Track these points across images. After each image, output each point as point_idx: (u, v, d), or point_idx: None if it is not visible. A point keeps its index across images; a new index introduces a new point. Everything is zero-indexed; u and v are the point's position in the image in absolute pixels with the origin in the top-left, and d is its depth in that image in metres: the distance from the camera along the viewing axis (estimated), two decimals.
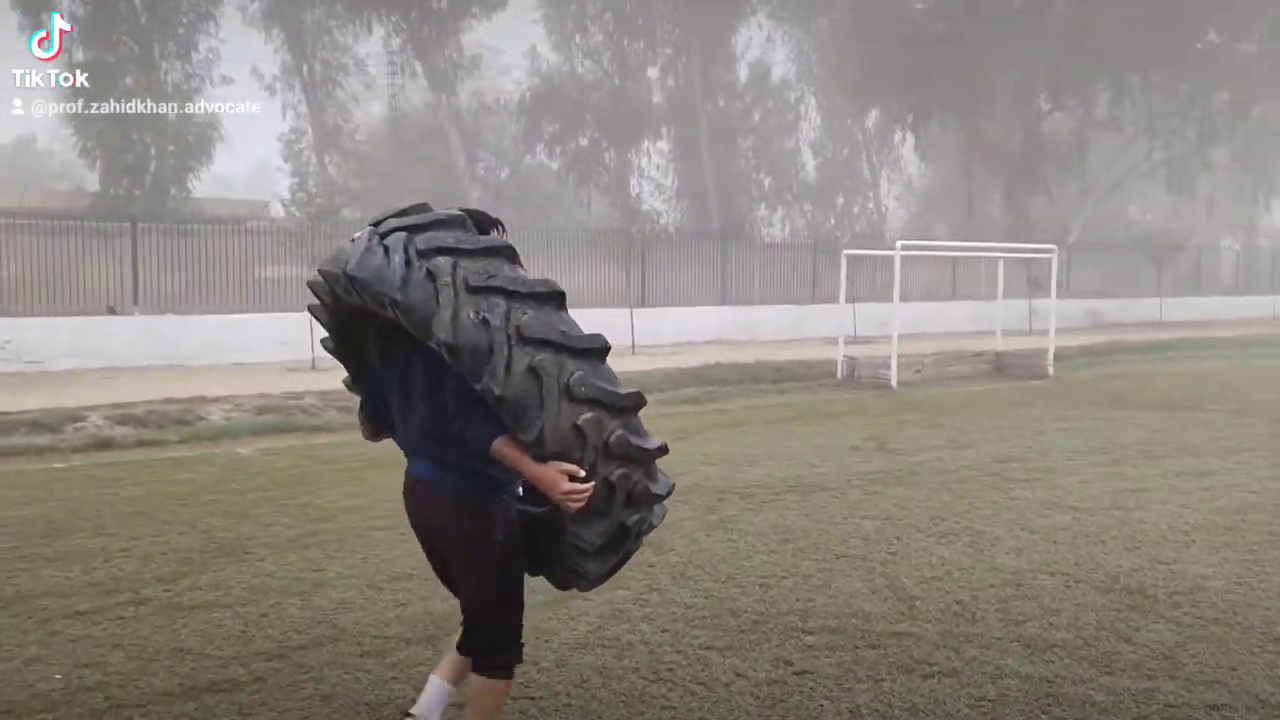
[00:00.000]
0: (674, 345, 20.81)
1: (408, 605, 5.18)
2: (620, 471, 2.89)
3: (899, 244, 15.45)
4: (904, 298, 26.15)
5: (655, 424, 11.35)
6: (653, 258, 23.04)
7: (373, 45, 35.31)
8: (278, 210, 23.88)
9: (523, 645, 3.23)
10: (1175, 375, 17.89)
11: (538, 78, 38.54)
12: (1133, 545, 6.25)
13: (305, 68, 35.21)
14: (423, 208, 3.03)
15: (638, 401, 2.91)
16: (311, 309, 3.31)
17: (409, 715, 3.39)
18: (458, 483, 3.09)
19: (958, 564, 5.85)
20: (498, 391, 2.77)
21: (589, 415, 2.81)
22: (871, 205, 47.28)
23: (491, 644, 3.17)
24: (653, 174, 42.63)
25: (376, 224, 3.01)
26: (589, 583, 3.21)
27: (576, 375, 2.81)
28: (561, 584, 3.34)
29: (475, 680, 3.20)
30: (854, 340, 18.77)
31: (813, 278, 25.98)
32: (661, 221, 40.11)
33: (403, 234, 2.90)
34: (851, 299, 18.99)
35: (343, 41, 35.33)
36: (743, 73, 42.61)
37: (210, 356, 16.72)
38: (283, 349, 16.84)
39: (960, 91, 33.11)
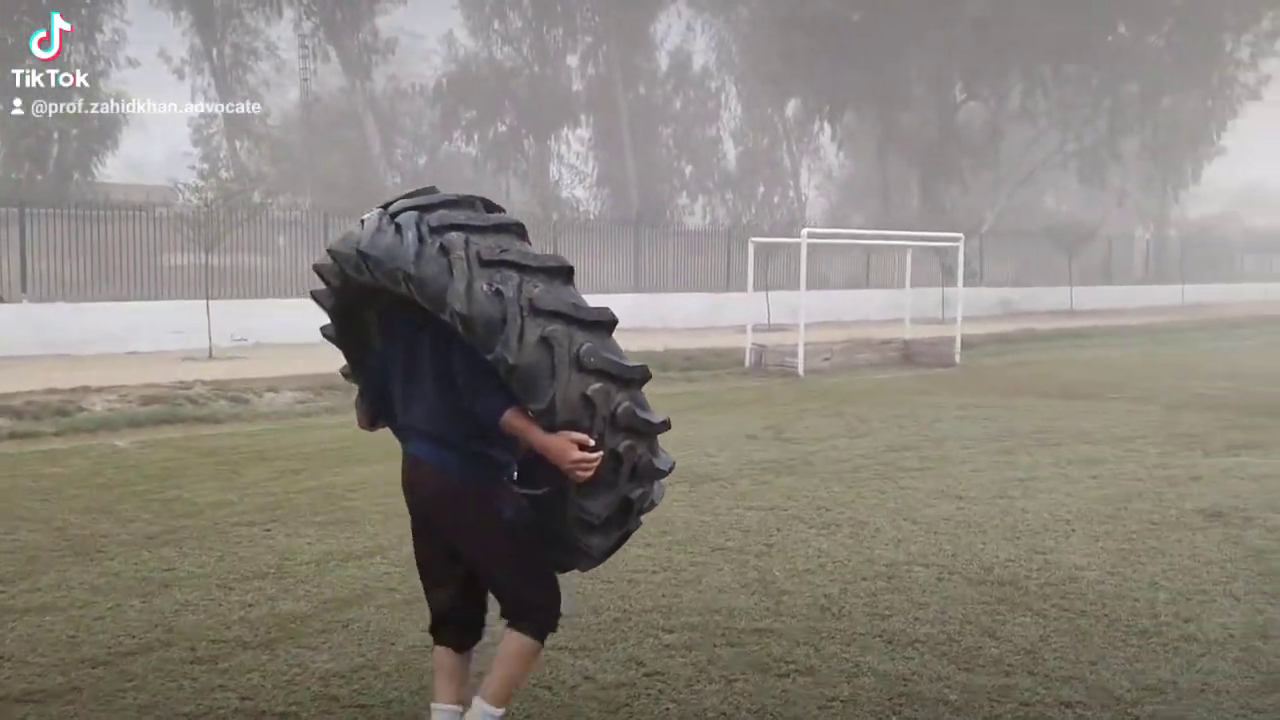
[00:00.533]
0: None
1: (255, 606, 4.91)
2: (626, 443, 2.95)
3: (805, 232, 15.41)
4: (822, 286, 26.41)
5: None
6: (566, 245, 22.78)
7: (284, 29, 34.56)
8: (184, 196, 23.26)
9: (558, 615, 3.23)
10: (1080, 363, 18.15)
11: (455, 64, 38.06)
12: (1013, 535, 6.19)
13: (215, 51, 34.27)
14: (431, 190, 3.11)
15: (644, 375, 2.98)
16: (315, 294, 3.34)
17: None
18: (461, 463, 3.11)
19: (834, 556, 5.73)
20: (511, 361, 2.83)
21: (597, 386, 2.88)
22: (792, 194, 47.54)
23: (518, 606, 3.19)
24: (573, 161, 42.42)
25: (385, 206, 3.07)
26: (592, 560, 3.24)
27: (586, 347, 2.87)
28: (563, 565, 3.30)
29: (512, 636, 3.18)
30: (767, 328, 18.73)
31: (727, 266, 25.93)
32: (581, 209, 40.06)
33: (414, 212, 2.98)
34: (764, 287, 18.94)
35: (253, 24, 34.53)
36: (663, 61, 42.53)
37: (103, 345, 16.11)
38: (179, 338, 16.30)
39: (876, 82, 33.35)
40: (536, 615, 3.18)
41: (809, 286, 15.99)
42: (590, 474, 2.91)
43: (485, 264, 2.89)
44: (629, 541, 4.87)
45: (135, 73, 30.03)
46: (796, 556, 5.72)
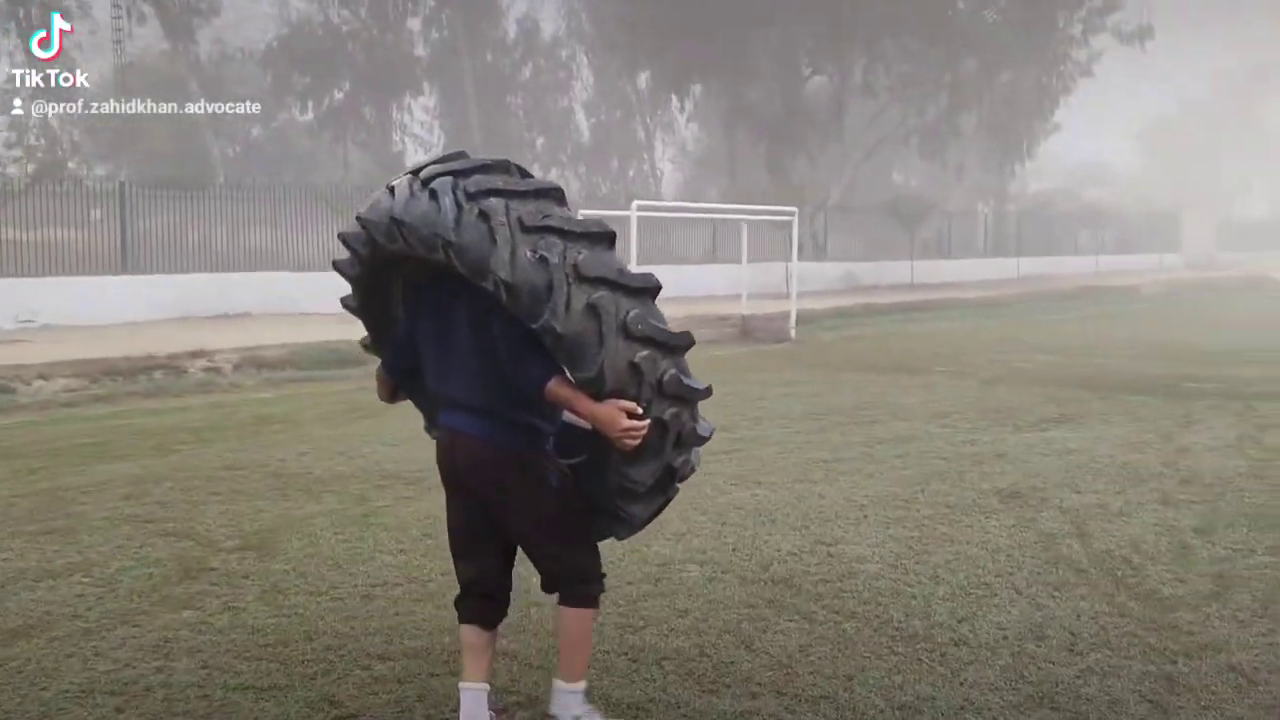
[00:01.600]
0: None
1: None
2: (672, 410, 2.91)
3: (635, 204, 14.92)
4: (675, 261, 26.04)
5: (351, 399, 10.24)
6: None
7: None
8: None
9: (604, 576, 3.26)
10: (913, 337, 18.23)
11: (287, 26, 36.22)
12: (802, 524, 5.80)
13: (20, 11, 31.75)
14: (462, 155, 3.01)
15: (689, 342, 2.92)
16: (338, 264, 3.25)
17: None
18: (503, 434, 3.06)
19: (605, 554, 5.22)
20: (559, 329, 2.78)
21: (645, 353, 2.83)
22: (646, 167, 47.21)
23: (573, 577, 3.18)
24: (417, 131, 41.07)
25: (415, 172, 2.97)
26: (631, 528, 3.24)
27: (633, 313, 2.81)
28: (601, 533, 3.30)
29: (563, 613, 3.20)
30: None
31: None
32: None
33: (448, 178, 2.89)
34: None
35: None
36: (510, 28, 41.48)
37: None
38: None
39: (723, 55, 33.10)
40: (587, 583, 3.20)
41: (655, 262, 15.56)
42: (637, 442, 2.88)
43: (527, 230, 2.82)
44: (383, 550, 4.38)
45: None
46: None
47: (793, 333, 16.89)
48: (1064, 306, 26.20)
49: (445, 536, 5.61)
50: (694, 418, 3.01)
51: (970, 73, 33.76)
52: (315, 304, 19.64)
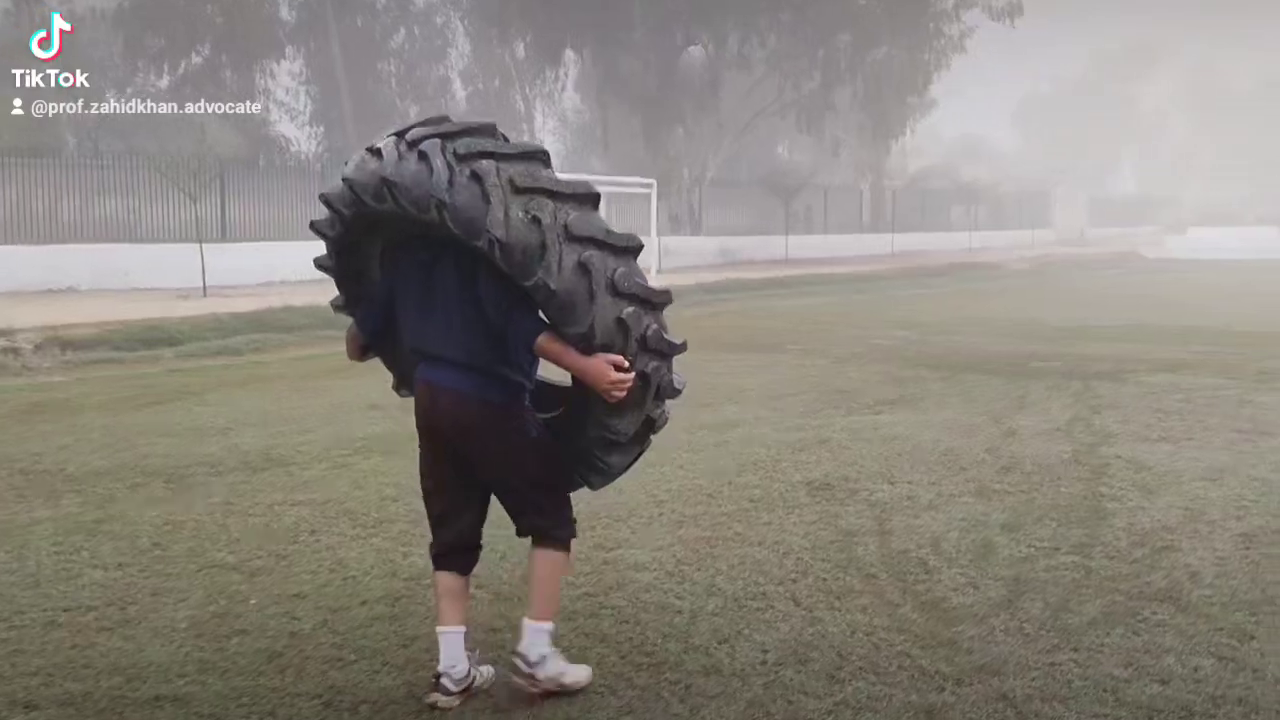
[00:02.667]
0: (264, 285, 18.75)
1: None
2: (654, 364, 3.08)
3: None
4: None
5: (150, 383, 9.36)
6: (237, 188, 20.71)
7: None
8: None
9: (575, 522, 3.44)
10: (776, 314, 17.96)
11: None
12: (588, 525, 5.23)
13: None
14: (445, 119, 3.08)
15: (668, 299, 3.09)
16: (317, 225, 3.34)
17: (437, 679, 3.30)
18: (485, 388, 3.18)
19: (354, 569, 4.65)
20: (553, 286, 2.90)
21: (630, 310, 2.98)
22: (526, 138, 46.18)
23: (547, 521, 3.34)
24: (282, 97, 39.39)
25: (400, 134, 3.05)
26: (607, 478, 3.44)
27: (620, 271, 2.96)
28: (575, 484, 3.47)
29: (536, 555, 3.35)
30: None
31: None
32: (294, 149, 37.35)
33: (436, 140, 2.96)
34: None
35: None
36: None
37: None
38: None
39: (597, 23, 32.38)
40: (561, 528, 3.36)
41: None
42: (623, 394, 3.03)
43: (519, 191, 2.92)
44: (98, 564, 4.31)
45: None
46: (303, 572, 4.60)
47: None
48: (932, 282, 26.36)
49: (174, 547, 5.05)
50: (670, 371, 3.17)
51: (844, 47, 33.64)
52: (154, 278, 18.56)
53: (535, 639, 3.31)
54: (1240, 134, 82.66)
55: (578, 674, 3.40)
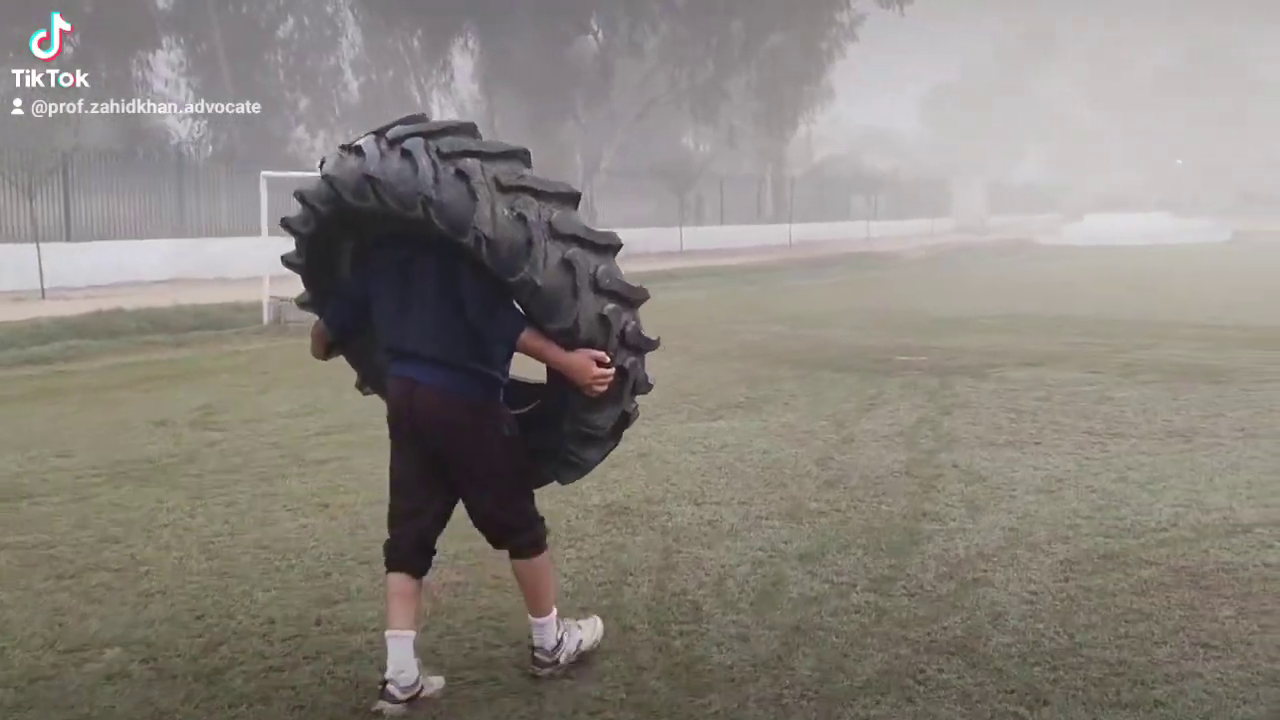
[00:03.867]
0: (114, 287, 17.56)
1: None
2: (631, 360, 3.19)
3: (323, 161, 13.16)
4: None
5: None
6: (85, 184, 19.45)
7: None
8: None
9: (543, 519, 3.46)
10: (655, 308, 16.79)
11: None
12: (323, 572, 4.56)
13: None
14: (421, 117, 3.14)
15: (645, 296, 3.19)
16: (288, 220, 3.36)
17: (384, 685, 3.23)
18: (464, 384, 3.20)
19: (18, 634, 3.85)
20: (539, 282, 2.96)
21: (612, 306, 3.07)
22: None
23: (520, 527, 3.38)
24: (161, 89, 37.66)
25: (379, 133, 3.08)
26: (580, 472, 3.50)
27: (602, 269, 3.05)
28: (544, 479, 3.51)
29: (518, 565, 3.42)
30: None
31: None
32: (173, 142, 35.75)
33: (419, 139, 2.99)
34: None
35: None
36: None
37: None
38: None
39: (487, 11, 31.42)
40: (531, 529, 3.40)
41: None
42: (605, 389, 3.12)
43: (503, 189, 2.98)
44: None
45: None
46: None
47: None
48: (825, 273, 26.01)
49: None
50: (644, 366, 3.25)
51: (737, 34, 33.08)
52: None
53: (543, 633, 3.45)
54: (1141, 121, 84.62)
55: (594, 632, 3.62)
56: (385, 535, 3.47)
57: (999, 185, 61.35)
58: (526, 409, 3.44)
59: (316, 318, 3.49)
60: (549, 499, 5.57)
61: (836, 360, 10.80)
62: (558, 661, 3.44)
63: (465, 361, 3.18)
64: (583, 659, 3.51)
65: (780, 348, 11.88)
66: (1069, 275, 24.70)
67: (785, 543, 4.85)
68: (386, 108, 44.56)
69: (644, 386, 3.31)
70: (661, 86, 34.73)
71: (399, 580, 3.35)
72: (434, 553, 3.42)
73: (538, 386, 3.46)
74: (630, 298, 3.13)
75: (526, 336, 3.08)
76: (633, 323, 3.15)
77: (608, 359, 3.08)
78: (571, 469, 3.46)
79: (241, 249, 20.25)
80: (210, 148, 37.36)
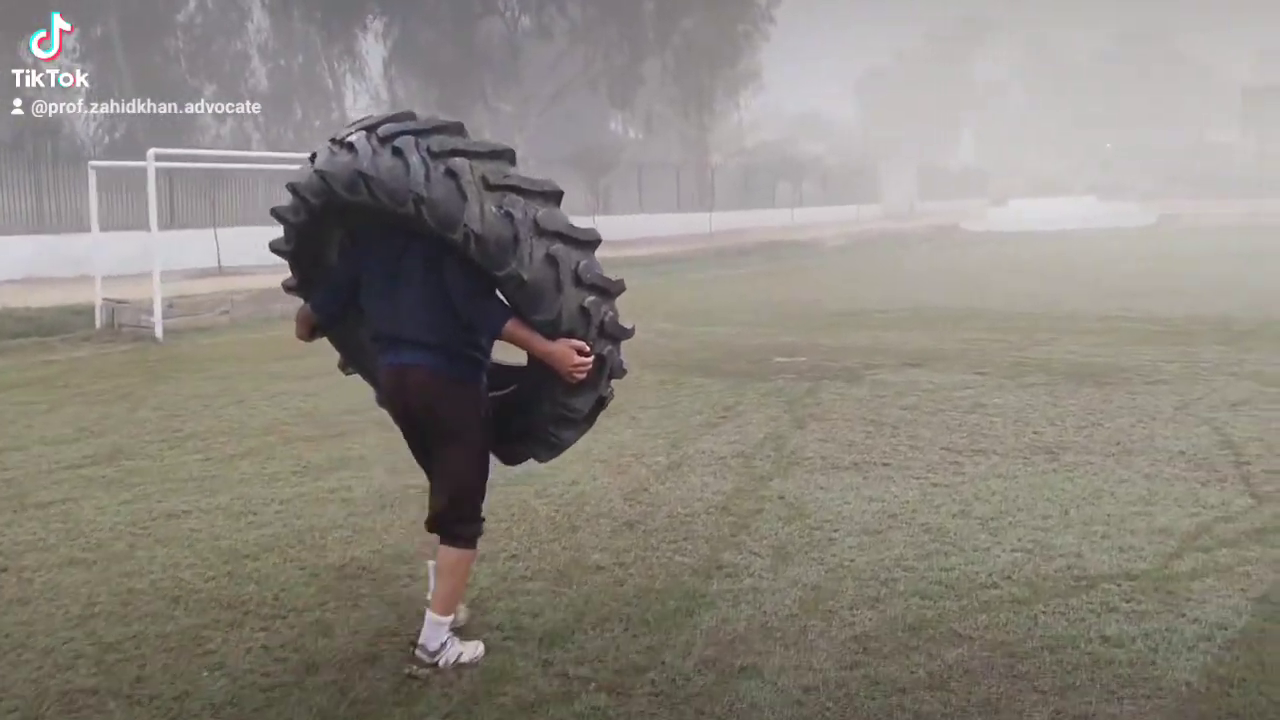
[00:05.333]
0: None
1: None
2: (610, 348, 3.37)
3: (152, 153, 12.03)
4: (255, 221, 22.66)
5: None
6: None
7: None
8: None
9: (484, 522, 3.58)
10: None
11: None
12: None
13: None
14: (411, 115, 3.31)
15: (622, 288, 3.35)
16: (279, 210, 3.52)
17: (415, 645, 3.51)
18: (452, 365, 3.38)
19: None
20: (525, 276, 3.14)
21: (592, 299, 3.25)
22: (336, 116, 43.53)
23: (462, 517, 3.49)
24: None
25: (369, 129, 3.22)
26: (555, 452, 3.69)
27: (583, 263, 3.22)
28: (521, 456, 3.74)
29: (447, 552, 3.51)
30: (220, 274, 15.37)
31: (170, 200, 21.99)
32: (65, 131, 34.02)
33: (409, 137, 3.14)
34: (162, 224, 15.44)
35: None
36: None
37: None
38: None
39: None
40: (472, 523, 3.51)
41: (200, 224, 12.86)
42: (584, 376, 3.31)
43: (491, 188, 3.13)
44: None
45: None
46: None
47: None
48: (737, 263, 25.17)
49: None
50: (620, 353, 3.44)
51: (650, 16, 31.99)
52: None
53: (435, 632, 3.48)
54: (1074, 105, 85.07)
55: (474, 652, 3.54)
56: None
57: (931, 170, 60.92)
58: (504, 392, 3.62)
59: (292, 302, 3.72)
60: (263, 556, 4.33)
61: (709, 363, 9.93)
62: (437, 665, 3.47)
63: (451, 343, 3.34)
64: (460, 670, 3.45)
65: (655, 349, 10.95)
66: (985, 263, 24.11)
67: (534, 616, 3.94)
68: (297, 94, 43.19)
69: (620, 372, 3.45)
70: (575, 70, 33.56)
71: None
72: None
73: (515, 369, 3.64)
74: (609, 290, 3.30)
75: (511, 326, 3.24)
76: (611, 313, 3.32)
77: (588, 348, 3.27)
78: (549, 449, 3.64)
79: (108, 245, 19.01)
80: (107, 138, 35.80)
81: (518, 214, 3.11)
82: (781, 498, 5.40)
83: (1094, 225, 39.37)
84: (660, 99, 36.48)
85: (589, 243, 3.26)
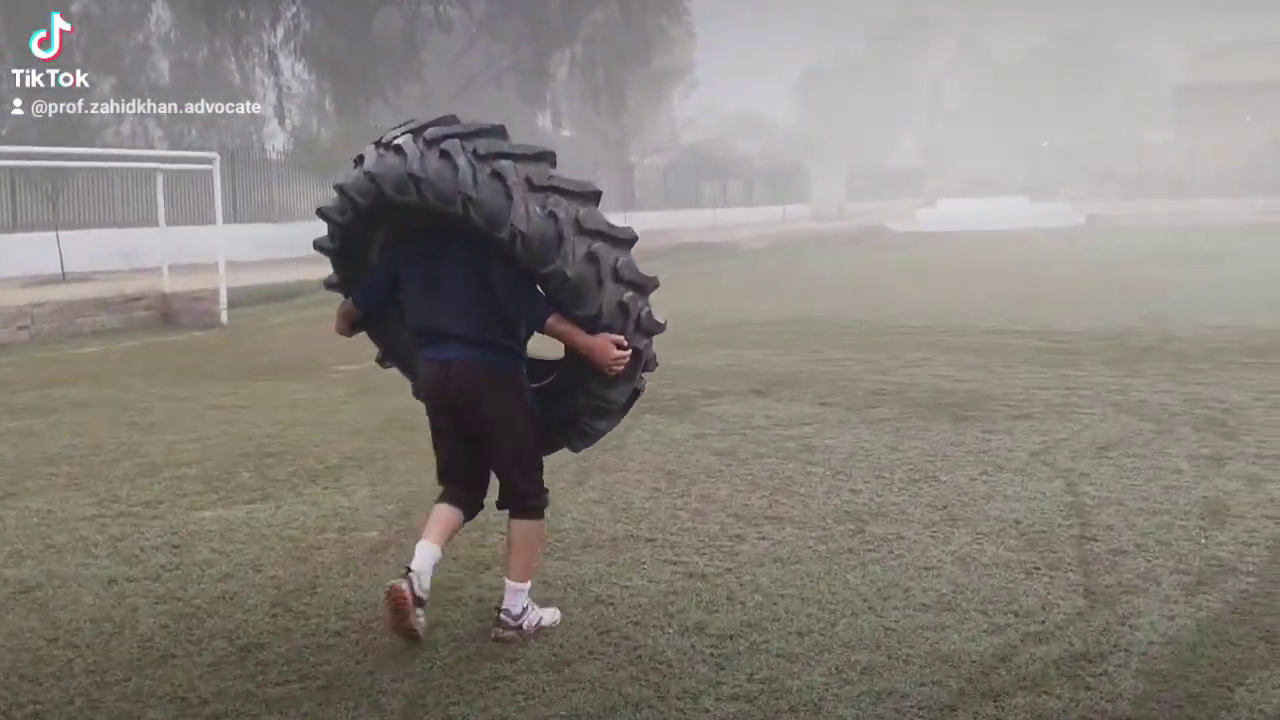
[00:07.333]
0: None
1: None
2: (645, 342, 3.54)
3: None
4: (116, 223, 21.06)
5: None
6: None
7: None
8: None
9: (548, 492, 3.79)
10: None
11: None
12: None
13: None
14: (453, 118, 3.43)
15: (657, 284, 3.52)
16: (326, 211, 3.65)
17: (408, 571, 3.51)
18: (498, 359, 3.53)
19: None
20: (569, 274, 3.28)
21: (629, 294, 3.41)
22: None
23: (529, 491, 3.68)
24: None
25: (415, 132, 3.37)
26: (591, 441, 3.88)
27: (622, 261, 3.38)
28: (556, 446, 3.87)
29: (519, 524, 3.69)
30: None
31: (12, 203, 20.37)
32: None
33: (455, 140, 3.28)
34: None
35: None
36: None
37: None
38: None
39: None
40: (537, 497, 3.70)
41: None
42: (622, 368, 3.44)
43: (535, 189, 3.27)
44: None
45: None
46: None
47: (224, 316, 13.15)
48: (645, 267, 23.88)
49: None
50: (653, 347, 3.61)
51: (556, 8, 30.55)
52: None
53: (516, 598, 3.64)
54: (1010, 105, 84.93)
55: (553, 618, 3.74)
56: None
57: (862, 170, 60.12)
58: (542, 383, 3.74)
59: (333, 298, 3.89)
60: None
61: None
62: (521, 628, 3.61)
63: (493, 338, 3.49)
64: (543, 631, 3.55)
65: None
66: (894, 267, 23.10)
67: None
68: (201, 89, 41.27)
69: (653, 364, 3.66)
70: (479, 65, 32.03)
71: (446, 510, 3.67)
72: (480, 505, 3.77)
73: (552, 363, 3.77)
74: (645, 286, 3.46)
75: (554, 320, 3.39)
76: (646, 309, 3.48)
77: (625, 342, 3.41)
78: (583, 439, 3.83)
79: None
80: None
81: (560, 214, 3.25)
82: (480, 600, 4.09)
83: (1022, 225, 38.70)
84: (573, 95, 35.02)
85: (626, 240, 3.42)
